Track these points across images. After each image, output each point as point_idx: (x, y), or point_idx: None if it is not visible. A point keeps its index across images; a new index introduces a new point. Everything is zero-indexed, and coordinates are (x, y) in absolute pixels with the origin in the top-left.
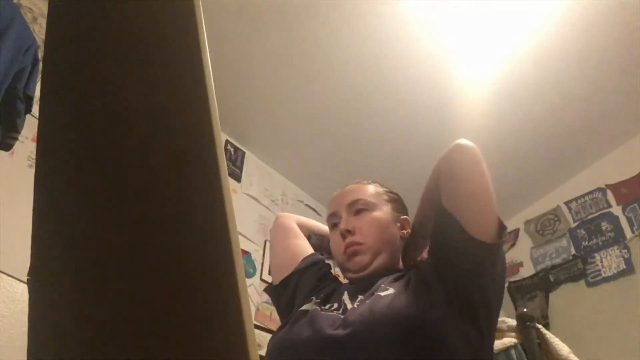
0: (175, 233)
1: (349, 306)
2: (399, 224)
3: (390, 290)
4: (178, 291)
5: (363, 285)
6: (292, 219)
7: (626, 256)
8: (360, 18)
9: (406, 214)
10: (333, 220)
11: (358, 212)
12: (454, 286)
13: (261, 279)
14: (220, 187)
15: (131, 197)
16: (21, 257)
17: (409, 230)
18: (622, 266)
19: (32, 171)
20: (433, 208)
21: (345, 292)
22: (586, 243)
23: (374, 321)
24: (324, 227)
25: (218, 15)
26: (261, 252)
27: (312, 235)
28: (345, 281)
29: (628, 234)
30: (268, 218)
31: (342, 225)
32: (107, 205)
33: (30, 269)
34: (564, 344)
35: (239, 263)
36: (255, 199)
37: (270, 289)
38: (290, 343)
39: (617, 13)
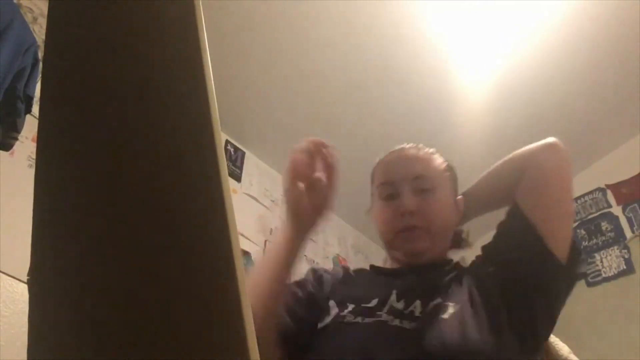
0: (175, 233)
1: (400, 307)
2: (455, 207)
3: (454, 311)
4: (178, 292)
5: (413, 280)
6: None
7: (626, 256)
8: (362, 17)
9: (458, 192)
10: (387, 190)
11: (422, 190)
12: (520, 310)
13: None
14: (220, 187)
15: (131, 197)
16: (21, 257)
17: (461, 212)
18: (622, 266)
19: (32, 171)
20: (501, 198)
21: (395, 292)
22: (586, 243)
23: (448, 354)
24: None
25: (218, 15)
26: (261, 252)
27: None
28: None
29: (628, 234)
30: (268, 218)
31: (405, 205)
32: (107, 205)
33: (30, 269)
34: (564, 344)
35: (239, 263)
36: (255, 199)
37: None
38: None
39: (616, 13)
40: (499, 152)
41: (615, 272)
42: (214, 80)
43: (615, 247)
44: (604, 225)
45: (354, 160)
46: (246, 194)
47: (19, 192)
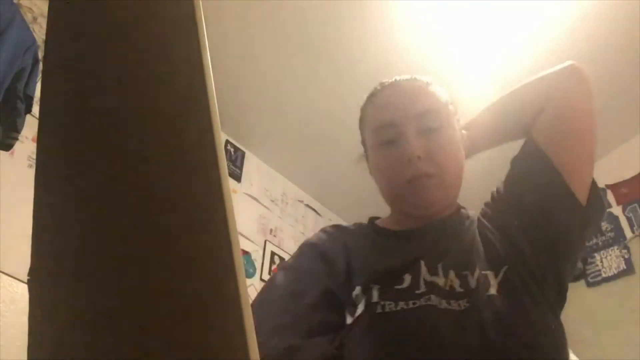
0: (175, 233)
1: (437, 281)
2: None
3: (494, 282)
4: (178, 291)
5: (434, 238)
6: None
7: (626, 256)
8: (364, 17)
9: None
10: (387, 134)
11: (429, 130)
12: (549, 261)
13: (261, 279)
14: (220, 187)
15: (131, 196)
16: (21, 257)
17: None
18: (622, 266)
19: (32, 171)
20: (515, 130)
21: (423, 264)
22: (586, 243)
23: (511, 343)
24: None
25: (219, 14)
26: (261, 252)
27: None
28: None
29: (628, 234)
30: (268, 218)
31: (412, 149)
32: (107, 205)
33: (30, 269)
34: None
35: (239, 263)
36: (255, 199)
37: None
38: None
39: (616, 13)
40: (500, 152)
41: (615, 272)
42: (214, 80)
43: (615, 247)
44: (604, 225)
45: (353, 160)
46: (246, 194)
47: (19, 192)
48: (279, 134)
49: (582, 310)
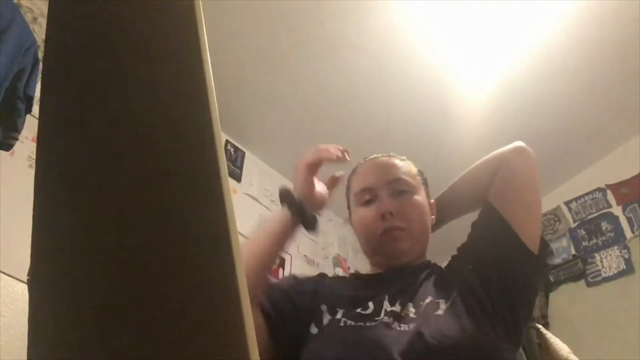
0: (175, 233)
1: (396, 309)
2: (429, 210)
3: (445, 307)
4: (178, 291)
5: (399, 280)
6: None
7: (626, 256)
8: (363, 18)
9: (430, 196)
10: (366, 196)
11: (400, 193)
12: (501, 299)
13: None
14: (220, 187)
15: (131, 197)
16: (21, 257)
17: (435, 216)
18: (622, 266)
19: (32, 171)
20: (474, 199)
21: (387, 297)
22: (586, 243)
23: (447, 347)
24: (257, 257)
25: (219, 15)
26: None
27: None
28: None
29: (628, 234)
30: None
31: (385, 207)
32: (107, 205)
33: (30, 269)
34: (564, 344)
35: (239, 263)
36: (255, 199)
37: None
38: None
39: (616, 13)
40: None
41: (615, 272)
42: (214, 80)
43: (615, 247)
44: (604, 225)
45: (354, 160)
46: (246, 194)
47: (19, 192)
48: (279, 134)
49: (582, 310)
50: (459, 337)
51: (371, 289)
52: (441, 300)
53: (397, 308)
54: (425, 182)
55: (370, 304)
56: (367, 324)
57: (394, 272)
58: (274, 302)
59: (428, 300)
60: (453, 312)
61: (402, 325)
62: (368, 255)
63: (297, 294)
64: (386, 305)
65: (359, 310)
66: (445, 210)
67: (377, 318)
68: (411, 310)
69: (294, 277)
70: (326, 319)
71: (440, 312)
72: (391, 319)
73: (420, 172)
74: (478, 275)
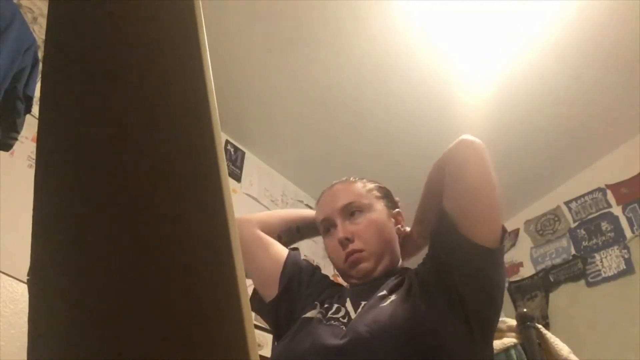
0: (175, 233)
1: (352, 314)
2: (393, 220)
3: (392, 298)
4: (178, 291)
5: (365, 288)
6: (255, 225)
7: (626, 256)
8: (363, 19)
9: (398, 207)
10: (326, 225)
11: (352, 215)
12: (455, 292)
13: None
14: (220, 187)
15: (131, 197)
16: (21, 257)
17: (403, 224)
18: (622, 266)
19: (32, 171)
20: (434, 206)
21: (348, 299)
22: (586, 243)
23: (376, 332)
24: (290, 215)
25: (218, 15)
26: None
27: (281, 236)
28: (344, 282)
29: (628, 234)
30: None
31: (340, 234)
32: (107, 205)
33: (30, 269)
34: (564, 344)
35: (239, 263)
36: (255, 199)
37: (264, 307)
38: (292, 355)
39: (616, 13)
40: (500, 152)
41: (615, 272)
42: (214, 80)
43: (615, 247)
44: (604, 225)
45: (354, 161)
46: (246, 194)
47: (19, 192)
48: (279, 134)
49: (582, 310)
50: (388, 322)
51: (340, 295)
52: (392, 295)
53: (352, 310)
54: (384, 195)
55: (335, 306)
56: (329, 323)
57: (361, 284)
58: (291, 275)
59: (381, 293)
60: (395, 303)
61: (345, 320)
62: (343, 279)
63: (304, 285)
64: (348, 306)
65: (332, 314)
66: (425, 222)
67: (334, 316)
68: (363, 307)
69: (314, 268)
70: (314, 313)
71: (385, 303)
72: (343, 320)
73: (378, 187)
74: (433, 273)
